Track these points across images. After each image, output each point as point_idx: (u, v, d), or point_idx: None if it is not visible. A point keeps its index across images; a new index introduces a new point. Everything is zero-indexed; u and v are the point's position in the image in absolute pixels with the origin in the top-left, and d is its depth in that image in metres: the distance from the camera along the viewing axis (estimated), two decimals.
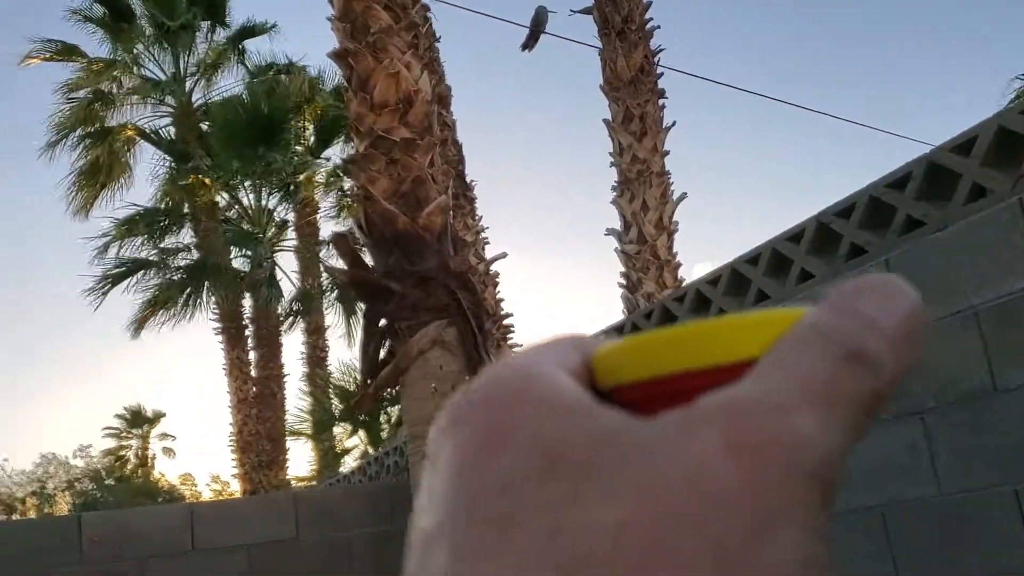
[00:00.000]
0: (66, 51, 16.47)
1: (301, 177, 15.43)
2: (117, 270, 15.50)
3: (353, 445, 15.48)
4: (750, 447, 0.21)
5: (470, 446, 0.24)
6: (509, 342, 11.59)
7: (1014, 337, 3.53)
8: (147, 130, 16.97)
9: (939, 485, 3.84)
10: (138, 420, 32.26)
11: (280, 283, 15.86)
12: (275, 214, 16.37)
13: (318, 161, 15.64)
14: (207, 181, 15.20)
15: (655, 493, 0.21)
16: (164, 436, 33.35)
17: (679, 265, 10.40)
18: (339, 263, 6.66)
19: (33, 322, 54.40)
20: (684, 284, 8.37)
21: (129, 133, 16.87)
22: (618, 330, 6.06)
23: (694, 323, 0.25)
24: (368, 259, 6.41)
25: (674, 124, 10.77)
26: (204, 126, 16.47)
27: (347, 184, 12.64)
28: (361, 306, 7.06)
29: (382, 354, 6.39)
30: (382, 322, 6.30)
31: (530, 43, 11.29)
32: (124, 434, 32.50)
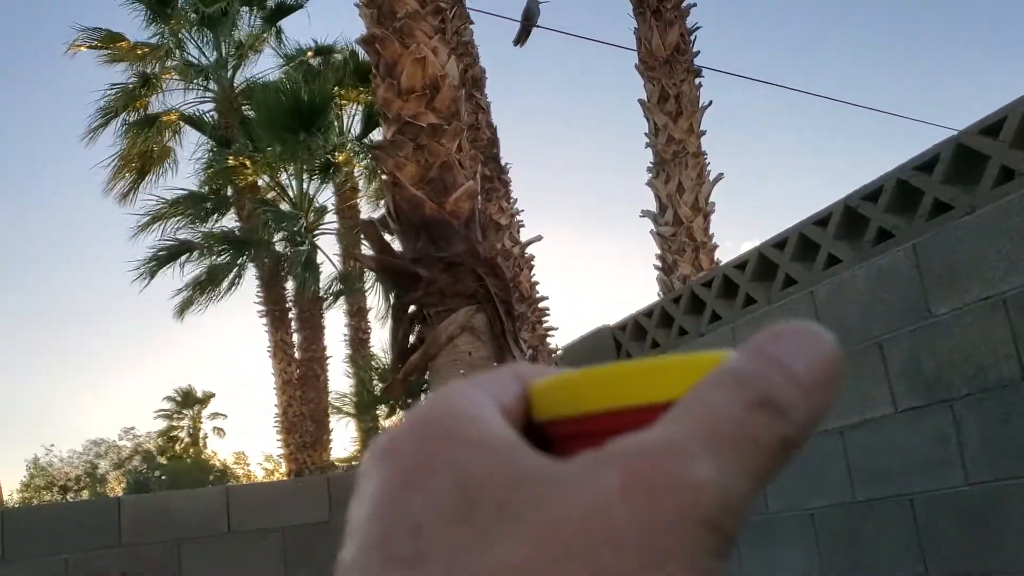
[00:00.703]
0: (109, 39, 16.70)
1: (340, 157, 15.49)
2: (162, 252, 15.77)
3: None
4: (644, 489, 0.22)
5: (393, 480, 0.24)
6: (544, 325, 11.58)
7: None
8: (191, 115, 17.18)
9: (967, 475, 3.76)
10: (189, 401, 32.88)
11: (321, 265, 16.02)
12: (316, 198, 16.51)
13: (357, 145, 15.71)
14: (248, 163, 15.36)
15: (556, 534, 0.21)
16: (215, 415, 33.95)
17: (715, 247, 10.27)
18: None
19: (79, 309, 55.64)
20: (715, 268, 8.27)
21: (173, 118, 17.09)
22: (647, 315, 6.02)
23: (623, 363, 0.25)
24: (397, 245, 6.43)
25: (710, 104, 10.62)
26: (246, 110, 16.62)
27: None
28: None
29: (411, 340, 6.41)
30: (411, 308, 6.32)
31: (522, 38, 11.14)
32: (176, 415, 33.15)
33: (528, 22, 10.93)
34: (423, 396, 13.08)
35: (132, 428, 33.69)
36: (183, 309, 16.13)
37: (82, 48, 16.89)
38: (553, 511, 0.22)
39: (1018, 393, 3.53)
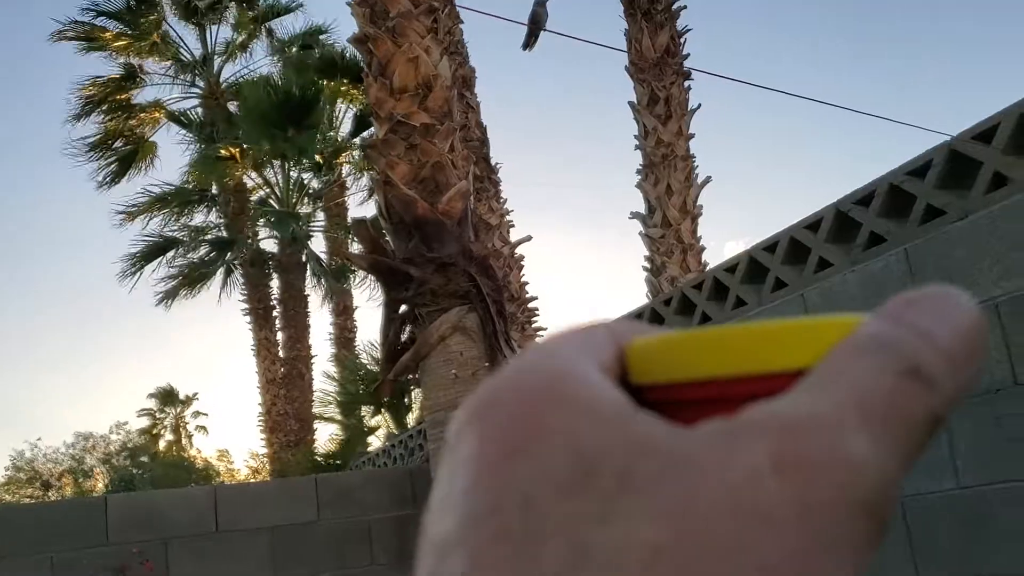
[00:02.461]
0: (94, 29, 16.53)
1: (331, 159, 15.44)
2: (146, 250, 15.69)
3: (378, 425, 15.59)
4: (801, 466, 0.20)
5: (495, 446, 0.21)
6: (534, 325, 11.59)
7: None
8: (176, 111, 17.07)
9: (959, 478, 3.79)
10: (170, 400, 32.71)
11: (308, 264, 15.97)
12: (305, 194, 16.46)
13: (349, 143, 15.66)
14: (237, 157, 15.28)
15: (694, 513, 0.19)
16: (197, 414, 33.79)
17: (703, 249, 10.32)
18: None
19: (63, 302, 55.29)
20: (705, 270, 8.31)
21: (156, 114, 16.99)
22: (637, 316, 6.04)
23: (740, 325, 0.23)
24: (389, 244, 6.43)
25: (699, 107, 10.66)
26: (232, 107, 16.55)
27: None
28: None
29: (402, 339, 6.41)
30: (402, 308, 6.32)
31: (530, 42, 11.12)
32: (158, 413, 32.97)
33: (535, 26, 10.92)
34: (410, 396, 13.05)
35: (125, 423, 33.48)
36: (167, 298, 16.03)
37: (67, 36, 16.72)
38: (688, 486, 0.20)
39: (1010, 398, 3.56)
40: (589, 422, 0.21)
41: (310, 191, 16.40)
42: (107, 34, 16.51)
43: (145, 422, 32.74)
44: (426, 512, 0.23)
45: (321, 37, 16.91)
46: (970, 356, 0.22)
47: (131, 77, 16.78)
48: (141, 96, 17.01)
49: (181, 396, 32.97)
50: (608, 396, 0.22)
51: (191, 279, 15.75)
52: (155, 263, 15.79)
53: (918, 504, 3.97)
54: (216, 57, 17.36)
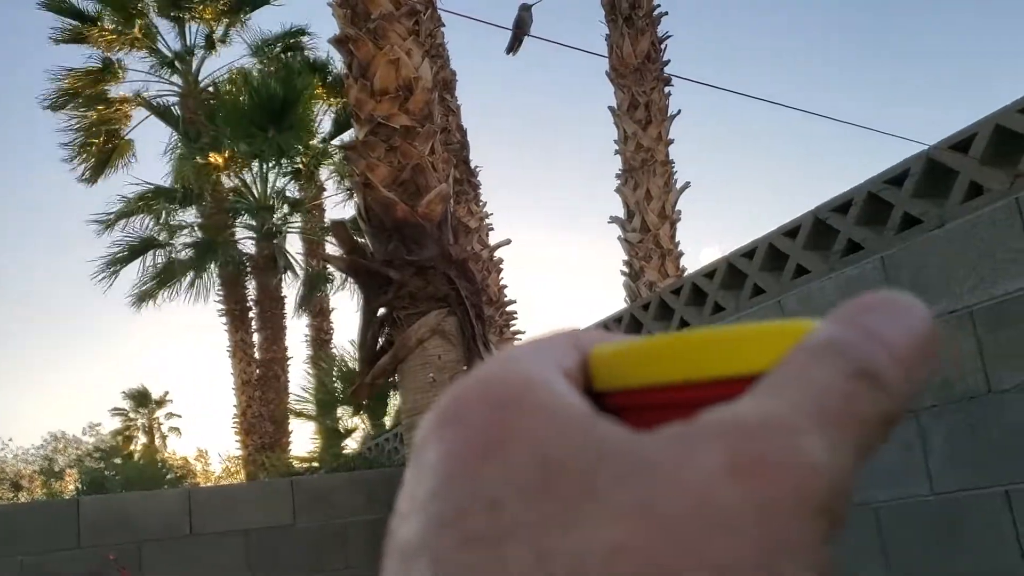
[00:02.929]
0: (75, 17, 16.34)
1: (309, 162, 15.37)
2: (124, 253, 15.54)
3: (355, 427, 15.52)
4: (757, 469, 0.20)
5: (461, 451, 0.22)
6: (512, 329, 11.59)
7: (1008, 338, 3.50)
8: (157, 105, 16.92)
9: (932, 484, 3.83)
10: (143, 400, 32.41)
11: (281, 263, 15.88)
12: (283, 195, 16.37)
13: (327, 145, 15.59)
14: (217, 160, 15.18)
15: (653, 514, 0.19)
16: (170, 416, 33.48)
17: (681, 254, 10.36)
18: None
19: (36, 302, 54.68)
20: (683, 275, 8.34)
21: (133, 108, 16.83)
22: (617, 320, 6.05)
23: (698, 331, 0.23)
24: (368, 247, 6.40)
25: (679, 113, 10.71)
26: (212, 104, 16.43)
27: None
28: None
29: (381, 342, 6.39)
30: (381, 310, 6.29)
31: (514, 46, 11.12)
32: (131, 414, 32.65)
33: (520, 30, 10.91)
34: (390, 399, 13.01)
35: (99, 424, 33.12)
36: (142, 299, 15.87)
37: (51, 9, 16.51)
38: (648, 489, 0.20)
39: (983, 406, 3.60)
40: (553, 428, 0.21)
41: (287, 192, 16.33)
42: (88, 25, 16.33)
43: (118, 423, 32.44)
44: (392, 516, 0.23)
45: (303, 39, 16.85)
46: (922, 359, 0.23)
47: (109, 70, 16.61)
48: (119, 90, 16.87)
49: (155, 397, 32.69)
50: (570, 403, 0.22)
51: (166, 280, 15.61)
52: (134, 264, 15.67)
53: (892, 509, 4.00)
54: (195, 52, 17.23)
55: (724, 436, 0.20)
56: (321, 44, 16.66)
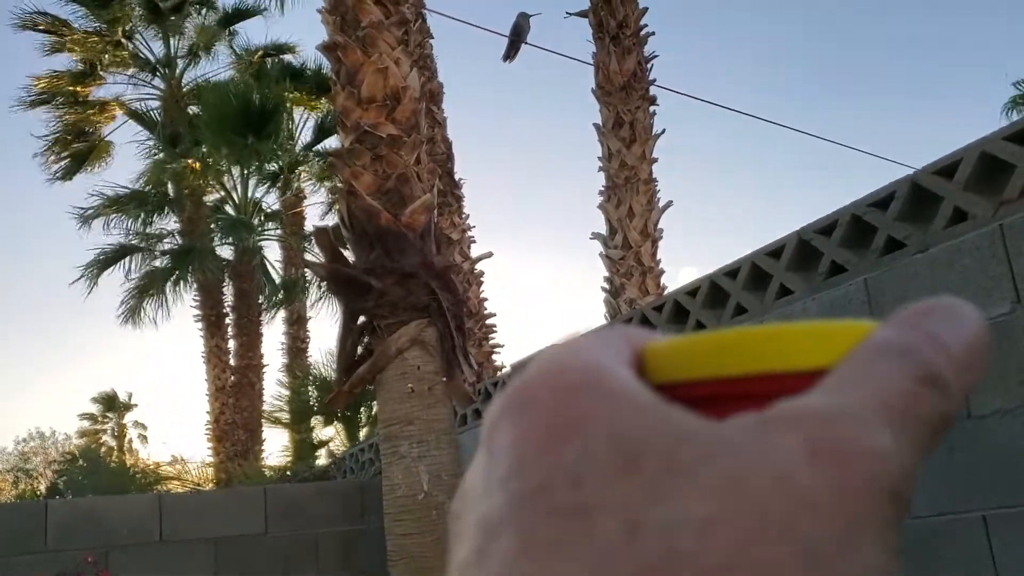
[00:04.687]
0: (56, 24, 16.25)
1: (289, 171, 15.32)
2: (102, 257, 15.42)
3: (329, 437, 15.42)
4: (834, 456, 0.21)
5: (538, 432, 0.22)
6: (491, 342, 11.57)
7: (990, 364, 3.52)
8: (136, 109, 16.81)
9: (910, 509, 3.83)
10: (113, 405, 32.09)
11: (270, 273, 15.81)
12: (262, 203, 16.30)
13: (310, 153, 15.55)
14: (196, 166, 15.10)
15: (742, 491, 0.21)
16: (137, 424, 33.18)
17: (662, 272, 10.38)
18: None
19: (13, 303, 54.02)
20: (665, 292, 8.36)
21: (115, 111, 16.71)
22: None
23: (757, 327, 0.25)
24: (350, 255, 6.37)
25: (663, 132, 10.76)
26: (193, 110, 16.35)
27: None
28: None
29: (360, 351, 6.34)
30: (361, 319, 6.25)
31: (511, 53, 11.15)
32: (100, 418, 32.30)
33: (517, 38, 10.93)
34: (364, 408, 12.93)
35: (76, 428, 32.75)
36: (132, 315, 15.73)
37: (29, 29, 16.41)
38: (732, 468, 0.21)
39: (962, 430, 3.61)
40: (628, 412, 0.22)
41: (266, 201, 16.27)
42: (69, 30, 16.23)
43: (87, 426, 32.09)
44: (457, 498, 0.24)
45: (287, 56, 16.85)
46: (976, 363, 0.25)
47: (91, 73, 16.50)
48: (99, 93, 16.75)
49: (124, 401, 32.36)
50: (642, 390, 0.23)
51: (152, 290, 15.49)
52: (111, 269, 15.54)
53: None
54: (179, 59, 17.15)
55: (802, 423, 0.22)
56: (303, 54, 16.67)
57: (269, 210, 16.60)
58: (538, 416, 0.23)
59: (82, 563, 5.88)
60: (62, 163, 16.49)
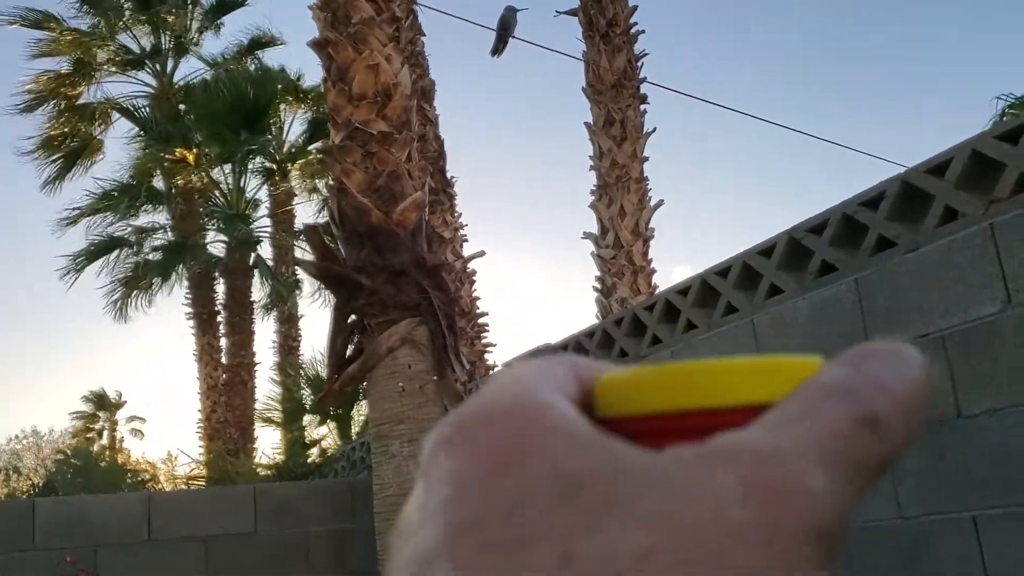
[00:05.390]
0: (44, 19, 16.18)
1: (284, 166, 15.28)
2: (91, 248, 15.36)
3: (322, 436, 15.38)
4: (766, 494, 0.21)
5: (474, 465, 0.23)
6: (483, 341, 11.55)
7: (979, 364, 3.52)
8: (127, 106, 16.74)
9: (900, 509, 3.83)
10: (104, 403, 31.99)
11: (255, 270, 15.75)
12: (254, 200, 16.25)
13: (299, 150, 15.51)
14: (189, 159, 15.04)
15: (678, 523, 0.21)
16: (131, 419, 33.04)
17: (653, 272, 10.37)
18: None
19: (5, 301, 53.83)
20: (656, 292, 8.35)
21: (107, 112, 16.64)
22: (589, 335, 6.03)
23: (703, 361, 0.25)
24: (341, 252, 6.34)
25: (654, 130, 10.74)
26: (184, 106, 16.30)
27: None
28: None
29: (350, 349, 6.32)
30: (351, 317, 6.23)
31: (499, 47, 11.13)
32: (91, 416, 32.20)
33: (505, 32, 10.91)
34: (356, 407, 12.90)
35: (72, 425, 32.59)
36: (121, 309, 15.68)
37: (14, 24, 16.33)
38: (666, 505, 0.21)
39: (953, 431, 3.60)
40: (566, 445, 0.23)
41: (259, 197, 16.22)
42: (55, 26, 16.14)
43: (79, 425, 31.97)
44: (395, 530, 0.24)
45: (273, 48, 16.81)
46: (918, 407, 0.25)
47: (82, 72, 16.43)
48: (91, 93, 16.67)
49: (115, 400, 32.25)
50: (581, 423, 0.24)
51: (143, 285, 15.44)
52: (99, 263, 15.47)
53: (859, 533, 4.00)
54: (169, 54, 17.08)
55: (738, 460, 0.22)
56: (289, 49, 16.64)
57: (260, 206, 16.56)
58: (475, 449, 0.23)
59: (62, 563, 5.84)
60: (55, 164, 16.41)
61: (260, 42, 16.82)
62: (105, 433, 32.41)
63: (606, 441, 0.23)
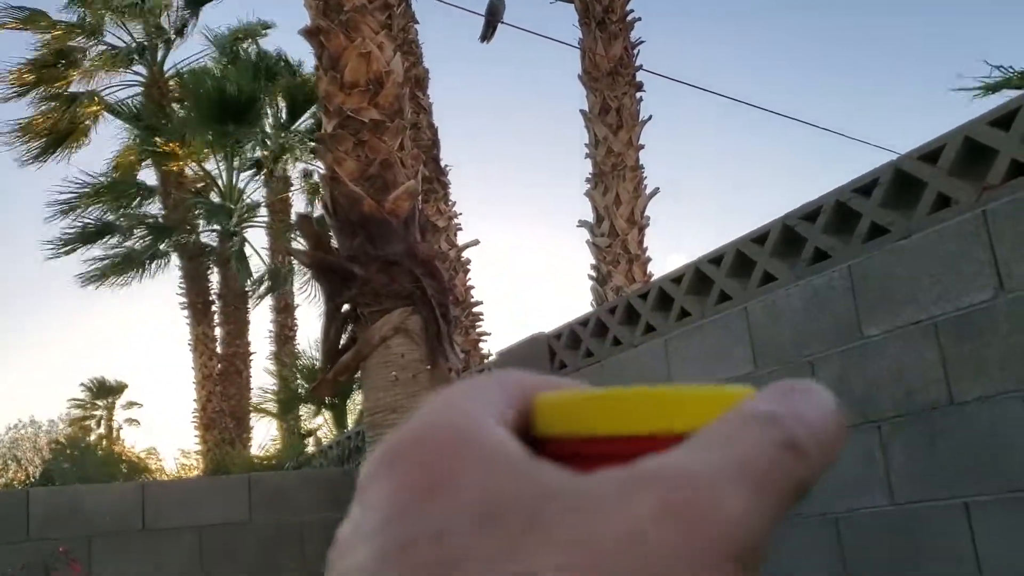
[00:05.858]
0: (32, 18, 16.10)
1: (267, 154, 15.23)
2: (79, 232, 15.33)
3: (318, 426, 15.38)
4: (683, 516, 0.22)
5: (407, 490, 0.23)
6: (478, 330, 11.54)
7: (972, 350, 3.51)
8: (113, 103, 16.64)
9: (892, 495, 3.83)
10: (103, 391, 31.94)
11: (249, 259, 15.73)
12: (246, 190, 16.21)
13: (291, 137, 15.44)
14: (177, 151, 15.00)
15: (594, 545, 0.22)
16: (130, 405, 33.00)
17: (649, 260, 10.35)
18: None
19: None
20: (650, 280, 8.34)
21: (94, 108, 16.50)
22: (583, 324, 6.02)
23: (639, 388, 0.26)
24: (334, 242, 6.32)
25: (650, 118, 10.71)
26: (174, 97, 16.24)
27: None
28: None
29: (343, 339, 6.30)
30: (344, 307, 6.21)
31: (487, 34, 11.09)
32: (89, 405, 32.16)
33: (493, 17, 10.87)
34: (351, 396, 12.90)
35: (65, 415, 32.54)
36: (95, 280, 15.63)
37: (5, 27, 16.25)
38: (585, 527, 0.22)
39: (945, 417, 3.60)
40: (495, 471, 0.23)
41: (251, 187, 16.17)
42: (45, 22, 16.04)
43: (77, 413, 31.93)
44: (332, 548, 0.24)
45: (264, 32, 16.73)
46: (833, 439, 0.26)
47: (70, 61, 16.33)
48: (79, 84, 16.57)
49: (115, 384, 32.19)
50: (509, 448, 0.24)
51: (125, 265, 15.42)
52: (86, 248, 15.46)
53: (852, 519, 4.00)
54: (159, 45, 16.99)
55: (656, 483, 0.23)
56: (280, 37, 16.56)
57: (250, 199, 16.51)
58: (407, 473, 0.24)
59: (54, 554, 5.84)
60: (39, 143, 16.30)
61: (251, 31, 16.74)
62: (102, 423, 32.40)
63: (533, 465, 0.24)
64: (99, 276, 15.63)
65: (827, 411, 0.26)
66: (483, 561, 0.22)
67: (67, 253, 15.39)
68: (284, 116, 15.50)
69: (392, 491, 0.24)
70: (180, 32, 17.06)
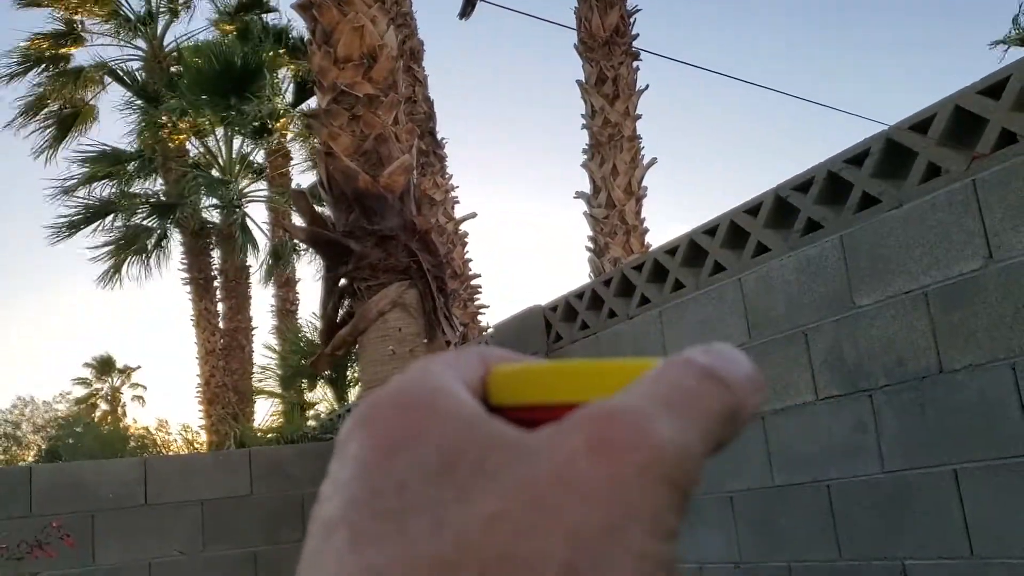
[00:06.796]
0: None
1: (272, 124, 15.15)
2: (80, 214, 15.30)
3: (318, 400, 15.43)
4: (610, 446, 0.24)
5: (376, 445, 0.26)
6: (476, 302, 11.56)
7: (961, 319, 3.53)
8: (118, 71, 16.57)
9: (883, 463, 3.86)
10: (107, 368, 32.02)
11: (251, 234, 15.72)
12: (247, 163, 16.15)
13: (291, 111, 15.37)
14: (180, 123, 14.94)
15: (526, 488, 0.24)
16: (135, 385, 33.11)
17: (646, 231, 10.34)
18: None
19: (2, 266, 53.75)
20: (648, 251, 8.33)
21: (97, 75, 16.47)
22: (579, 296, 6.04)
23: (589, 361, 0.29)
24: (330, 217, 6.33)
25: (647, 88, 10.66)
26: (175, 70, 16.14)
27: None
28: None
29: (341, 314, 6.33)
30: (341, 281, 6.23)
31: (467, 10, 10.99)
32: (94, 382, 32.25)
33: None
34: (350, 370, 12.94)
35: (69, 393, 32.67)
36: (109, 275, 15.67)
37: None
38: (524, 470, 0.24)
39: (935, 385, 3.63)
40: (453, 426, 0.26)
41: (252, 161, 16.11)
42: None
43: (81, 391, 32.04)
44: (316, 502, 0.27)
45: (265, 3, 16.56)
46: (752, 377, 0.28)
47: (72, 34, 16.24)
48: (82, 56, 16.50)
49: (119, 365, 32.27)
50: (469, 407, 0.27)
51: (133, 249, 15.40)
52: (90, 228, 15.43)
53: (843, 486, 4.04)
54: (159, 17, 16.89)
55: (585, 423, 0.25)
56: (282, 9, 16.39)
57: (254, 168, 16.44)
58: (379, 431, 0.26)
59: (48, 529, 5.90)
60: (47, 132, 16.28)
61: (250, 5, 16.61)
62: (107, 399, 32.51)
63: (484, 420, 0.26)
64: (113, 270, 15.63)
65: (740, 356, 0.29)
66: (435, 507, 0.24)
67: (69, 235, 15.37)
68: (291, 97, 15.39)
69: (364, 447, 0.26)
70: (186, 5, 16.94)
